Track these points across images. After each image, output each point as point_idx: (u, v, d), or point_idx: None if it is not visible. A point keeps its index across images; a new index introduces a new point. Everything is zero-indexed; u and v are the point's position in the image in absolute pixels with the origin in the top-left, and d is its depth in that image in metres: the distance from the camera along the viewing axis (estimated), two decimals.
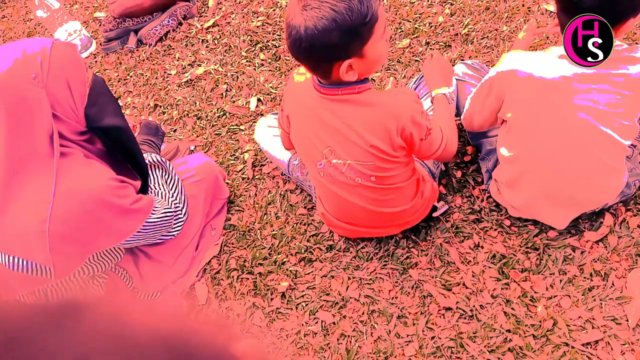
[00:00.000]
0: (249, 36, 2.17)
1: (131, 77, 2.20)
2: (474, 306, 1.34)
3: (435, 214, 1.46)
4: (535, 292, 1.34)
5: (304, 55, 1.05)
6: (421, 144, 1.20)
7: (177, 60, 2.19)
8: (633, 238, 1.38)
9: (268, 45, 2.12)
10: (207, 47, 2.21)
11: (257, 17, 2.24)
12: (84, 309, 0.28)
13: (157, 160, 1.44)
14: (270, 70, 2.04)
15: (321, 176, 1.27)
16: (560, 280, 1.34)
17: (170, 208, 1.37)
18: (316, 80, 1.16)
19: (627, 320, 1.26)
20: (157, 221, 1.31)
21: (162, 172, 1.47)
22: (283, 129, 1.41)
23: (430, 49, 1.92)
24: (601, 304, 1.30)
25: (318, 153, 1.23)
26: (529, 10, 1.95)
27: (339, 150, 1.19)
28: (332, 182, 1.26)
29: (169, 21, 2.29)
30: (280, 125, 1.44)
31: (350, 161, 1.19)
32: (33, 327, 0.25)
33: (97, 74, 1.29)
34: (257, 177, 1.73)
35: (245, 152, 1.80)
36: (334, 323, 1.38)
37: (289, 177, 1.65)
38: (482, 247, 1.44)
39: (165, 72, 2.17)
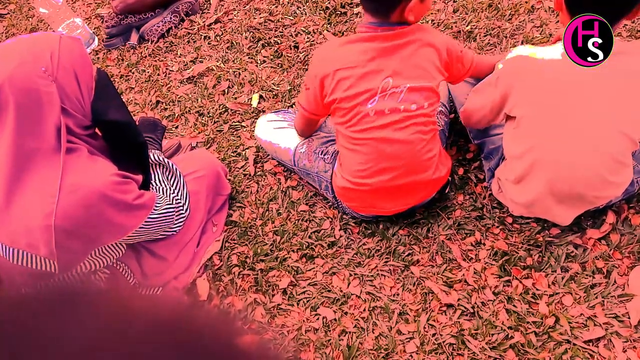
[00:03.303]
0: (251, 33, 2.17)
1: (133, 73, 2.20)
2: (475, 303, 1.34)
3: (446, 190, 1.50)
4: (537, 289, 1.33)
5: None
6: (461, 55, 1.36)
7: (179, 57, 2.19)
8: (635, 236, 1.37)
9: (270, 42, 2.12)
10: (209, 43, 2.21)
11: (259, 14, 2.23)
12: (85, 298, 0.28)
13: (157, 159, 1.44)
14: (272, 67, 2.03)
15: (371, 116, 1.29)
16: (562, 278, 1.34)
17: (172, 204, 1.37)
18: (371, 26, 1.26)
19: (629, 318, 1.26)
20: (159, 217, 1.31)
21: (163, 169, 1.47)
22: (309, 110, 1.44)
23: None
24: (603, 301, 1.29)
25: (370, 93, 1.28)
26: (532, 8, 1.94)
27: (398, 77, 1.27)
28: (381, 126, 1.29)
29: (171, 18, 2.29)
30: (304, 107, 1.45)
31: (409, 84, 1.27)
32: (29, 316, 0.25)
33: (102, 69, 1.29)
34: (258, 173, 1.73)
35: (247, 148, 1.80)
36: (335, 319, 1.38)
37: (292, 167, 1.63)
38: (484, 244, 1.44)
39: (167, 69, 2.17)
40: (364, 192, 1.40)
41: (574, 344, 1.24)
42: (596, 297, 1.30)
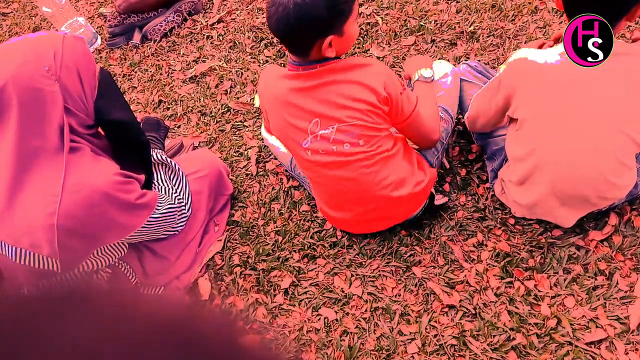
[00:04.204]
0: (254, 32, 2.17)
1: (136, 72, 2.20)
2: (477, 304, 1.34)
3: (436, 202, 1.45)
4: (539, 291, 1.33)
5: (289, 30, 1.10)
6: (401, 98, 1.24)
7: (182, 57, 2.19)
8: (638, 238, 1.37)
9: (273, 42, 2.12)
10: (211, 43, 2.21)
11: (262, 14, 2.23)
12: (86, 298, 0.28)
13: (160, 158, 1.45)
14: None
15: (309, 157, 1.28)
16: (565, 279, 1.34)
17: (174, 203, 1.37)
18: (292, 65, 1.21)
19: (631, 320, 1.26)
20: (161, 216, 1.31)
21: (166, 169, 1.48)
22: (271, 133, 1.44)
23: (436, 46, 1.92)
24: (605, 303, 1.29)
25: (302, 133, 1.25)
26: (535, 9, 1.94)
27: (325, 119, 1.22)
28: (320, 164, 1.28)
29: (173, 17, 2.29)
30: (268, 129, 1.46)
31: (337, 125, 1.21)
32: (29, 315, 0.25)
33: (105, 68, 1.29)
34: (260, 173, 1.74)
35: (249, 148, 1.80)
36: (336, 320, 1.38)
37: (291, 173, 1.65)
38: (486, 246, 1.43)
39: (169, 68, 2.17)
40: (337, 220, 1.45)
41: (576, 346, 1.24)
42: (598, 299, 1.30)
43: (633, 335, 1.24)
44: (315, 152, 1.27)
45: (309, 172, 1.36)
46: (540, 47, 1.38)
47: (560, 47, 1.13)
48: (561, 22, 1.88)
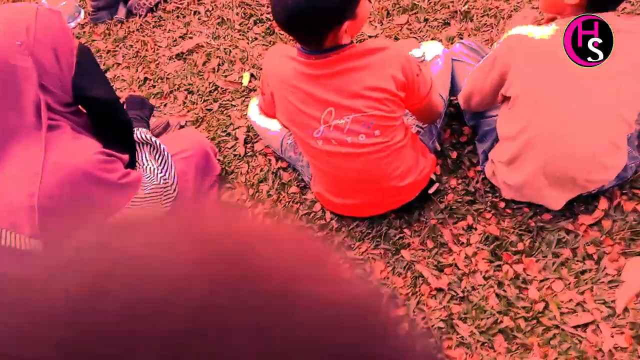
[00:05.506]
0: (243, 9, 2.11)
1: (120, 48, 2.13)
2: (465, 287, 1.33)
3: (430, 191, 1.44)
4: (527, 275, 1.33)
5: (302, 24, 1.05)
6: (417, 80, 1.20)
7: (168, 33, 2.13)
8: (627, 222, 1.37)
9: (262, 19, 2.06)
10: (199, 19, 2.14)
11: None
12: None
13: (145, 138, 1.41)
14: (264, 44, 1.98)
15: (319, 146, 1.24)
16: (553, 263, 1.34)
17: (160, 184, 1.34)
18: (303, 52, 1.15)
19: (617, 304, 1.26)
20: (146, 197, 1.28)
21: (151, 148, 1.44)
22: (270, 115, 1.40)
23: (429, 26, 1.88)
24: (592, 287, 1.29)
25: (314, 121, 1.21)
26: None
27: (340, 108, 1.17)
28: (332, 154, 1.24)
29: None
30: (262, 110, 1.43)
31: (353, 115, 1.17)
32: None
33: (84, 44, 1.24)
34: (249, 154, 1.70)
35: (237, 128, 1.76)
36: None
37: (280, 155, 1.62)
38: (476, 229, 1.43)
39: (155, 45, 2.10)
40: (336, 205, 1.42)
41: (563, 329, 1.24)
42: (586, 283, 1.30)
43: (619, 319, 1.24)
44: (328, 142, 1.22)
45: (316, 160, 1.31)
46: (525, 18, 1.36)
47: (555, 25, 1.11)
48: None
